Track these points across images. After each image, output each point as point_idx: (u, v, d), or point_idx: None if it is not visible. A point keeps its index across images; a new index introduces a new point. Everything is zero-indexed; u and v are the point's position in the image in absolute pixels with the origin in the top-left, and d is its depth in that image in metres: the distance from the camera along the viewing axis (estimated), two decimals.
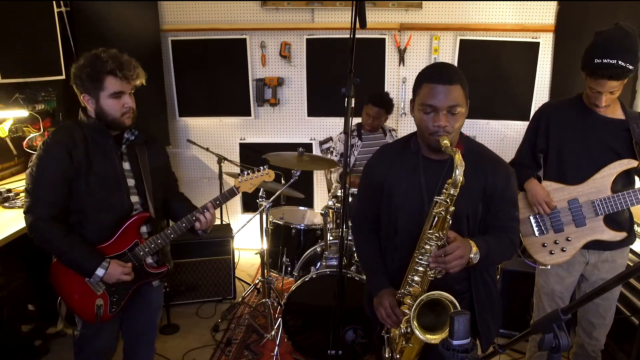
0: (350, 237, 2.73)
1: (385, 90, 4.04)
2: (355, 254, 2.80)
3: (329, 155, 3.64)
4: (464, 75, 1.52)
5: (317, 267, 2.94)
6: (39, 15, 3.22)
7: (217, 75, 4.22)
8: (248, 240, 4.31)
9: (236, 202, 4.55)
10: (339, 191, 3.01)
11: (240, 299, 3.50)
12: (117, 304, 1.85)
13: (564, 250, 2.08)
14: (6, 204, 2.69)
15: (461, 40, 3.97)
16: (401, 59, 4.09)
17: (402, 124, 4.26)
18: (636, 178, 2.09)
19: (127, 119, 1.79)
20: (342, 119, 1.94)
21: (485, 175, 1.58)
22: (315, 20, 4.07)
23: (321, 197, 4.45)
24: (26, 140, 3.17)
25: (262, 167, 2.05)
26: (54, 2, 3.33)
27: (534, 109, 3.96)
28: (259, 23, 4.10)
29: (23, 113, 3.05)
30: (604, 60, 1.80)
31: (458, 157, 1.40)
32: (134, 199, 1.86)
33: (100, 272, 1.73)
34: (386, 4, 3.93)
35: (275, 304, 3.31)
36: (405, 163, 1.64)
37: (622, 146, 2.00)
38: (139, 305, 1.97)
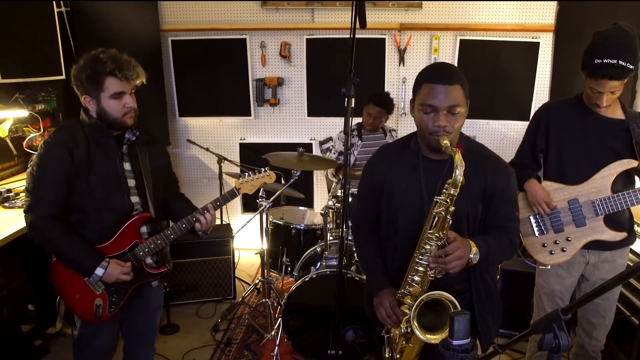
0: (350, 237, 2.73)
1: (385, 90, 4.04)
2: (355, 254, 2.80)
3: (327, 154, 3.64)
4: (464, 75, 1.52)
5: (317, 267, 2.94)
6: (39, 15, 3.22)
7: (217, 75, 4.22)
8: (248, 240, 4.31)
9: (236, 202, 4.55)
10: (339, 191, 3.01)
11: (240, 299, 3.49)
12: (115, 304, 1.85)
13: (564, 251, 2.08)
14: (6, 204, 2.69)
15: (461, 40, 3.98)
16: (401, 59, 4.09)
17: (402, 124, 4.26)
18: (636, 178, 2.09)
19: (128, 118, 1.79)
20: (342, 119, 1.94)
21: (485, 175, 1.58)
22: (315, 20, 4.07)
23: (321, 197, 4.45)
24: (26, 140, 3.17)
25: (263, 169, 2.05)
26: (54, 2, 3.33)
27: (534, 109, 3.96)
28: (259, 23, 4.10)
29: (23, 113, 3.05)
30: (605, 61, 1.80)
31: (458, 157, 1.40)
32: (134, 199, 1.86)
33: (99, 271, 1.73)
34: (386, 4, 3.93)
35: (275, 304, 3.31)
36: (405, 163, 1.65)
37: (622, 146, 2.00)
38: (139, 305, 1.97)
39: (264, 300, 3.20)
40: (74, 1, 3.55)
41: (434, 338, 1.47)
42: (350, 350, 2.60)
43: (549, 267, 2.13)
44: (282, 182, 3.34)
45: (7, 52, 2.93)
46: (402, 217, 1.63)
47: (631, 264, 2.36)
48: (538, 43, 3.93)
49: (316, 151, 4.24)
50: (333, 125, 4.29)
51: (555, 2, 3.86)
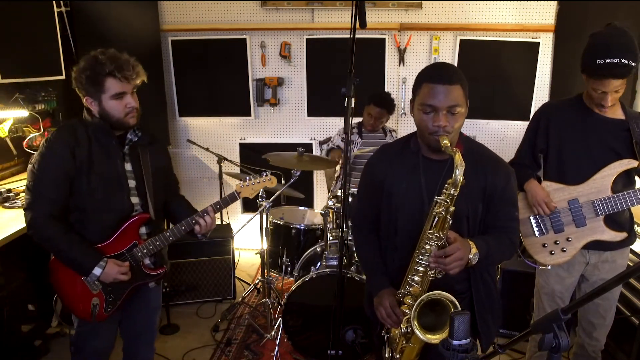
0: (350, 237, 2.73)
1: (386, 90, 4.04)
2: (355, 254, 2.80)
3: (324, 146, 3.63)
4: (463, 75, 1.52)
5: (317, 267, 2.94)
6: (39, 15, 3.22)
7: (217, 75, 4.22)
8: (248, 240, 4.31)
9: (236, 202, 4.54)
10: (339, 191, 3.01)
11: (240, 299, 3.49)
12: (112, 304, 1.85)
13: (564, 251, 2.08)
14: (6, 204, 2.69)
15: (461, 40, 3.98)
16: (401, 59, 4.09)
17: (402, 124, 4.26)
18: (636, 178, 2.09)
19: (131, 118, 1.79)
20: (342, 119, 1.94)
21: (485, 175, 1.58)
22: (315, 20, 4.07)
23: (321, 197, 4.45)
24: (26, 140, 3.17)
25: (264, 173, 2.06)
26: (54, 2, 3.33)
27: (534, 109, 3.95)
28: (259, 23, 4.10)
29: (23, 113, 3.05)
30: (607, 60, 1.80)
31: (458, 157, 1.40)
32: (134, 200, 1.86)
33: (97, 271, 1.73)
34: (386, 4, 3.93)
35: (275, 304, 3.31)
36: (405, 163, 1.64)
37: (622, 146, 2.00)
38: (137, 305, 1.97)
39: (264, 300, 3.20)
40: (74, 1, 3.55)
41: (434, 338, 1.47)
42: (350, 350, 2.60)
43: (549, 267, 2.13)
44: (282, 182, 3.34)
45: (7, 52, 2.93)
46: (402, 217, 1.63)
47: (631, 264, 2.36)
48: (538, 43, 3.93)
49: (316, 151, 4.24)
50: (333, 125, 4.29)
51: (555, 2, 3.86)
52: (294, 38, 4.12)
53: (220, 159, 3.82)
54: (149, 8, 3.96)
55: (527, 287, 2.62)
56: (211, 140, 4.37)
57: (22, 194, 2.74)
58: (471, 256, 1.48)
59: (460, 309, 1.43)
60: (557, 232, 2.09)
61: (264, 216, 3.16)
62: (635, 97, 3.78)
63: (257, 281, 3.58)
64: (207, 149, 3.89)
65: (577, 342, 2.28)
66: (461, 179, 1.41)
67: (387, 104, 3.38)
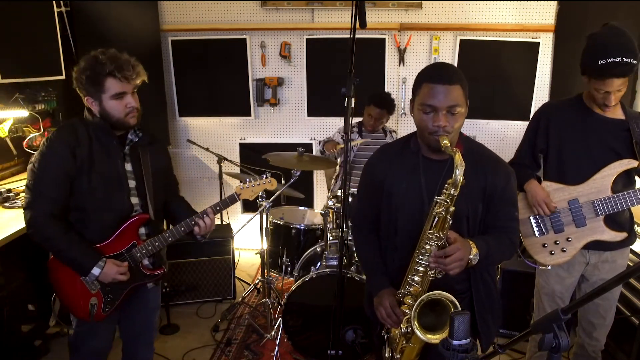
0: (350, 237, 2.73)
1: (386, 90, 4.04)
2: (355, 254, 2.80)
3: (321, 140, 3.62)
4: (463, 75, 1.52)
5: (317, 267, 2.94)
6: (39, 15, 3.22)
7: (217, 75, 4.22)
8: (248, 240, 4.31)
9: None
10: (339, 191, 3.01)
11: (240, 299, 3.49)
12: (111, 304, 1.85)
13: (564, 251, 2.08)
14: (6, 204, 2.69)
15: (461, 40, 3.98)
16: (401, 59, 4.09)
17: (402, 124, 4.26)
18: (636, 178, 2.09)
19: (131, 118, 1.79)
20: (342, 119, 1.94)
21: (485, 175, 1.58)
22: (315, 20, 4.07)
23: (321, 197, 4.45)
24: (26, 140, 3.17)
25: (264, 175, 2.07)
26: (54, 2, 3.33)
27: (534, 109, 3.95)
28: (259, 23, 4.10)
29: (23, 113, 3.05)
30: (609, 60, 1.80)
31: (458, 157, 1.40)
32: (134, 200, 1.86)
33: (96, 271, 1.73)
34: (386, 4, 3.93)
35: (275, 304, 3.31)
36: (405, 163, 1.64)
37: (622, 146, 2.00)
38: (136, 305, 1.97)
39: (264, 300, 3.20)
40: (74, 1, 3.55)
41: (434, 338, 1.47)
42: (350, 350, 2.60)
43: (549, 267, 2.13)
44: (282, 182, 3.34)
45: (7, 52, 2.93)
46: (402, 217, 1.63)
47: (631, 264, 2.36)
48: (538, 43, 3.93)
49: (316, 151, 4.24)
50: (333, 125, 4.29)
51: (555, 2, 3.86)
52: (294, 38, 4.12)
53: (220, 159, 3.82)
54: (149, 8, 3.96)
55: (527, 287, 2.62)
56: (211, 140, 4.37)
57: (22, 194, 2.74)
58: (471, 256, 1.48)
59: (460, 309, 1.43)
60: (557, 232, 2.09)
61: (264, 216, 3.16)
62: (635, 97, 3.78)
63: (257, 281, 3.58)
64: (207, 149, 3.89)
65: (577, 342, 2.28)
66: (461, 179, 1.41)
67: (387, 105, 3.38)
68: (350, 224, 2.36)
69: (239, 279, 3.79)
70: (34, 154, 1.77)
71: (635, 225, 2.19)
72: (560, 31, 3.88)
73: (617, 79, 1.84)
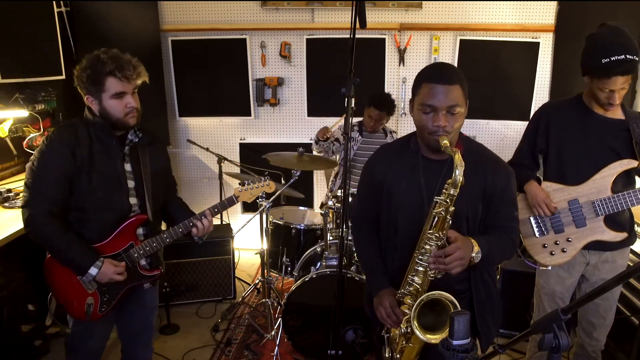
0: (350, 237, 2.73)
1: (386, 90, 4.04)
2: (355, 254, 2.80)
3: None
4: (463, 75, 1.52)
5: (317, 267, 2.94)
6: (39, 15, 3.22)
7: (217, 75, 4.22)
8: (248, 240, 4.31)
9: None
10: (339, 191, 3.01)
11: (240, 299, 3.49)
12: (107, 304, 1.85)
13: (565, 251, 2.08)
14: (6, 204, 2.69)
15: (461, 40, 3.97)
16: (401, 59, 4.09)
17: (402, 124, 4.26)
18: (636, 178, 2.09)
19: (131, 118, 1.79)
20: (343, 119, 1.94)
21: (485, 176, 1.58)
22: (315, 20, 4.07)
23: (321, 197, 4.45)
24: (26, 140, 3.17)
25: (263, 178, 2.07)
26: (54, 2, 3.33)
27: (534, 109, 3.95)
28: (259, 23, 4.10)
29: (23, 113, 3.05)
30: (613, 58, 1.81)
31: (458, 157, 1.40)
32: (133, 200, 1.86)
33: (93, 271, 1.73)
34: (386, 4, 3.93)
35: (275, 304, 3.31)
36: (404, 163, 1.64)
37: (622, 146, 2.00)
38: (133, 306, 1.98)
39: (264, 300, 3.20)
40: (74, 1, 3.55)
41: (434, 338, 1.47)
42: (350, 350, 2.60)
43: (550, 267, 2.13)
44: (282, 182, 3.34)
45: (7, 52, 2.93)
46: (402, 217, 1.63)
47: (631, 264, 2.36)
48: (538, 43, 3.93)
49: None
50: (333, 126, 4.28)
51: (555, 2, 3.86)
52: (294, 38, 4.12)
53: (220, 159, 3.82)
54: (149, 8, 3.96)
55: (527, 287, 2.62)
56: (211, 140, 4.37)
57: (23, 194, 2.74)
58: (473, 254, 1.48)
59: (460, 309, 1.43)
60: (557, 233, 2.09)
61: (264, 216, 3.16)
62: (635, 97, 3.78)
63: (257, 281, 3.58)
64: (207, 149, 3.89)
65: (577, 342, 2.28)
66: (461, 179, 1.41)
67: (386, 106, 3.37)
68: (350, 224, 2.36)
69: (239, 279, 3.79)
70: (33, 153, 1.77)
71: (635, 225, 2.19)
72: (560, 31, 3.88)
73: (621, 77, 1.85)
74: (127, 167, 1.85)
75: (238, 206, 4.56)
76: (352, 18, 1.73)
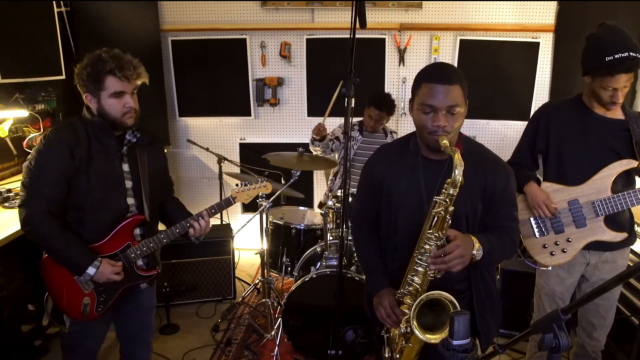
0: (350, 237, 2.73)
1: (386, 90, 4.04)
2: (355, 254, 2.80)
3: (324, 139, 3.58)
4: (463, 75, 1.52)
5: (317, 267, 2.94)
6: (39, 15, 3.22)
7: (217, 75, 4.22)
8: (248, 240, 4.31)
9: None
10: (339, 191, 3.01)
11: (240, 299, 3.49)
12: (104, 304, 1.85)
13: (565, 251, 2.08)
14: (6, 204, 2.69)
15: (461, 40, 3.97)
16: (401, 59, 4.09)
17: (402, 124, 4.26)
18: (636, 178, 2.09)
19: (128, 118, 1.79)
20: (342, 119, 1.94)
21: (485, 175, 1.58)
22: (315, 20, 4.07)
23: (321, 197, 4.44)
24: (26, 140, 3.17)
25: (260, 179, 2.07)
26: (54, 2, 3.33)
27: (534, 109, 3.95)
28: (259, 23, 4.10)
29: (23, 113, 3.05)
30: (616, 56, 1.81)
31: (457, 157, 1.40)
32: (130, 201, 1.86)
33: (91, 270, 1.72)
34: (386, 4, 3.93)
35: (275, 304, 3.31)
36: (404, 163, 1.64)
37: (622, 146, 2.00)
38: (131, 306, 1.98)
39: (264, 300, 3.20)
40: (74, 1, 3.55)
41: (433, 338, 1.47)
42: (350, 350, 2.60)
43: (550, 268, 2.13)
44: (282, 182, 3.34)
45: (7, 52, 2.92)
46: (401, 217, 1.63)
47: (631, 264, 2.36)
48: (538, 43, 3.93)
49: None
50: (333, 126, 4.25)
51: (555, 2, 3.86)
52: (294, 38, 4.12)
53: (220, 159, 3.82)
54: (149, 8, 3.96)
55: (527, 287, 2.62)
56: (211, 140, 4.37)
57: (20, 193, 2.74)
58: (475, 252, 1.48)
59: (459, 308, 1.43)
60: (558, 233, 2.09)
61: (264, 216, 3.16)
62: (635, 97, 3.78)
63: (257, 281, 3.58)
64: (207, 149, 3.89)
65: (577, 342, 2.28)
66: (460, 178, 1.41)
67: (386, 106, 3.36)
68: (350, 224, 2.36)
69: (239, 279, 3.78)
70: (31, 152, 1.77)
71: (635, 226, 2.19)
72: (560, 31, 3.88)
73: (624, 75, 1.85)
74: (125, 167, 1.85)
75: (238, 206, 4.56)
76: (352, 18, 1.73)
